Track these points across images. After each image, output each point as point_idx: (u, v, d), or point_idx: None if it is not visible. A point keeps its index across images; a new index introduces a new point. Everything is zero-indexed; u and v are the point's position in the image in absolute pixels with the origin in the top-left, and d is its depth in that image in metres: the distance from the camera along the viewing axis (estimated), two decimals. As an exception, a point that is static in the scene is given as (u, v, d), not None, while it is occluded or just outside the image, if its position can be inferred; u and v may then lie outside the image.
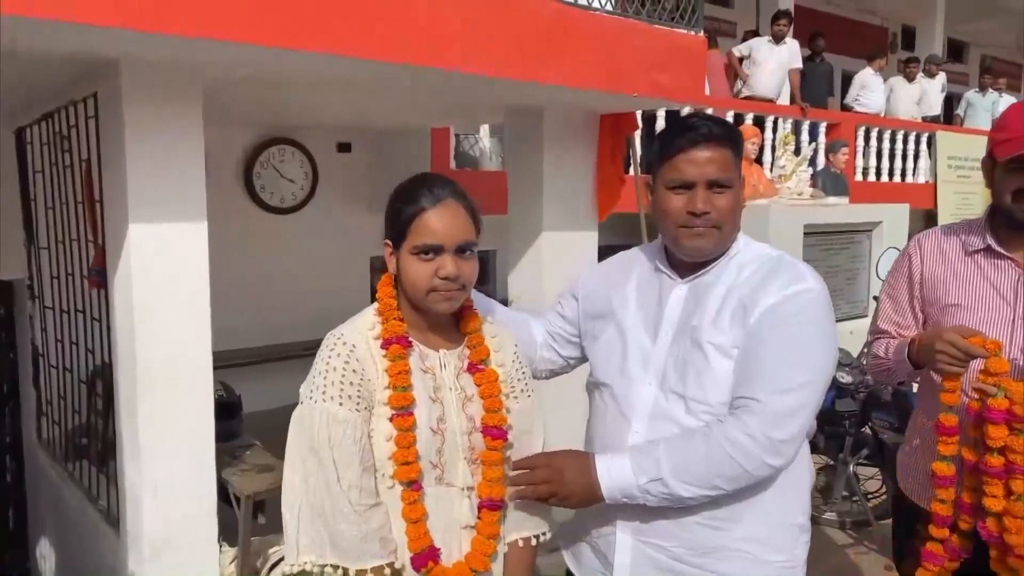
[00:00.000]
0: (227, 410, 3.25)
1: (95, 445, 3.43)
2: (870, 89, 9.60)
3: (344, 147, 5.92)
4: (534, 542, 1.59)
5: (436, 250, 1.44)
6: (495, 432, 1.50)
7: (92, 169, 3.04)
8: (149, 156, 2.63)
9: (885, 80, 9.88)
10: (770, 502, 1.54)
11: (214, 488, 2.90)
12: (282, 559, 3.13)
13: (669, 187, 1.54)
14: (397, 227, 1.47)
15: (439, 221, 1.44)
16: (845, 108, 9.80)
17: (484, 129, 6.02)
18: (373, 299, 5.77)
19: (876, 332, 2.04)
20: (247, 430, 3.64)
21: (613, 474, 1.46)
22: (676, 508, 1.50)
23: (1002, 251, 1.82)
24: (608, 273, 1.75)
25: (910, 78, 10.16)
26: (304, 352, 5.79)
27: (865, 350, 2.13)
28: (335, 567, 1.40)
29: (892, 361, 1.92)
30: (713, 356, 1.49)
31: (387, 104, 4.17)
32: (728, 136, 1.55)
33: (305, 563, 1.41)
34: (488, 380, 1.53)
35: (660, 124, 6.83)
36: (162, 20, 2.13)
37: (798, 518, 1.60)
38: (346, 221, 6.04)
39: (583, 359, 1.79)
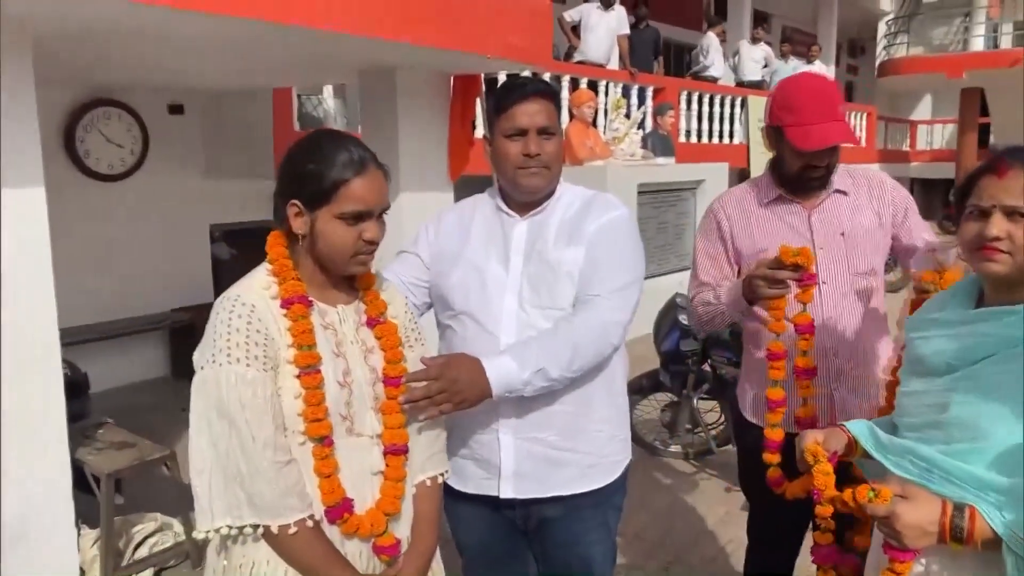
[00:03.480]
0: (74, 389, 3.05)
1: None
2: (720, 55, 10.34)
3: (176, 109, 5.59)
4: (440, 479, 1.69)
5: (365, 216, 1.46)
6: (397, 381, 1.56)
7: None
8: (-26, 116, 2.40)
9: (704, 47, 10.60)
10: (610, 388, 1.89)
11: (68, 471, 2.73)
12: (147, 538, 3.03)
13: (506, 135, 1.80)
14: (315, 190, 1.44)
15: (368, 188, 1.46)
16: (696, 73, 10.43)
17: (328, 90, 5.87)
18: (215, 268, 5.56)
19: (699, 285, 2.26)
20: (95, 410, 3.44)
21: (500, 372, 1.64)
22: (546, 404, 1.78)
23: (791, 198, 2.16)
24: (452, 220, 1.95)
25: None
26: (145, 327, 5.55)
27: (688, 303, 2.32)
28: (255, 527, 1.41)
29: (725, 304, 2.13)
30: (559, 271, 1.80)
31: (229, 63, 3.99)
32: (551, 92, 1.85)
33: (220, 527, 1.40)
34: (389, 332, 1.59)
35: (501, 87, 6.94)
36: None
37: (623, 400, 1.98)
38: (182, 188, 5.72)
39: (429, 304, 1.96)
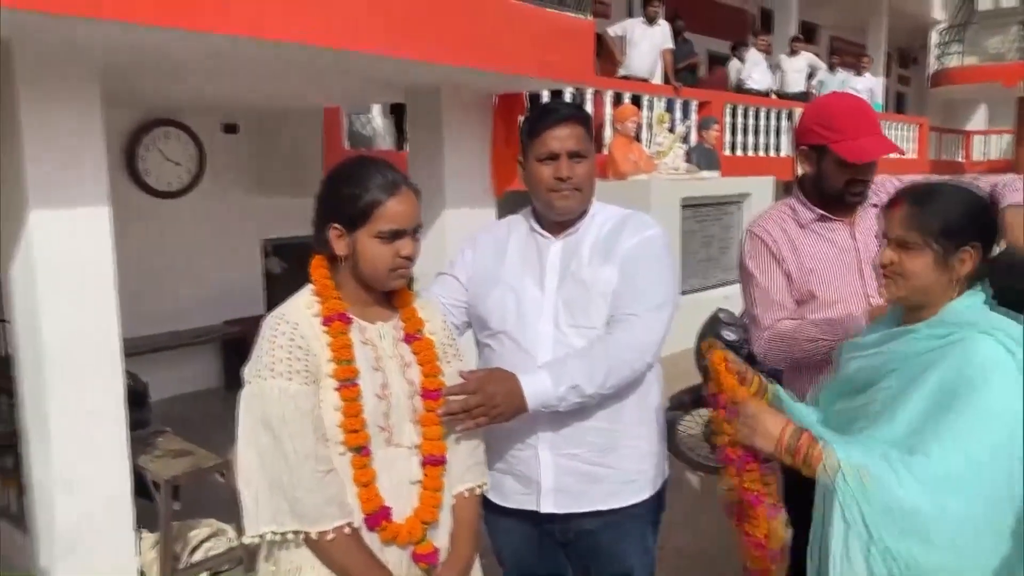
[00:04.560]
0: (135, 399, 3.19)
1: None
2: (761, 68, 10.27)
3: (231, 128, 5.79)
4: (478, 491, 1.74)
5: (400, 234, 1.56)
6: (435, 394, 1.63)
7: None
8: (47, 140, 2.57)
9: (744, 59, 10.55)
10: (645, 405, 1.92)
11: (129, 477, 2.87)
12: (202, 543, 3.15)
13: (539, 160, 1.86)
14: (353, 212, 1.54)
15: (402, 208, 1.55)
16: (739, 85, 10.39)
17: (376, 108, 6.02)
18: (267, 282, 5.70)
19: (779, 309, 2.15)
20: (153, 418, 3.59)
21: (536, 388, 1.70)
22: (581, 420, 1.82)
23: (832, 216, 2.17)
24: (488, 241, 2.01)
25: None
26: (199, 339, 5.72)
27: (756, 334, 2.17)
28: (296, 533, 1.48)
29: (839, 339, 1.95)
30: (593, 290, 1.84)
31: (282, 84, 4.14)
32: (582, 116, 1.90)
33: (265, 533, 1.48)
34: (425, 348, 1.66)
35: (545, 103, 7.02)
36: (57, 0, 2.08)
37: (658, 417, 2.00)
38: (235, 204, 5.92)
39: (469, 324, 2.02)
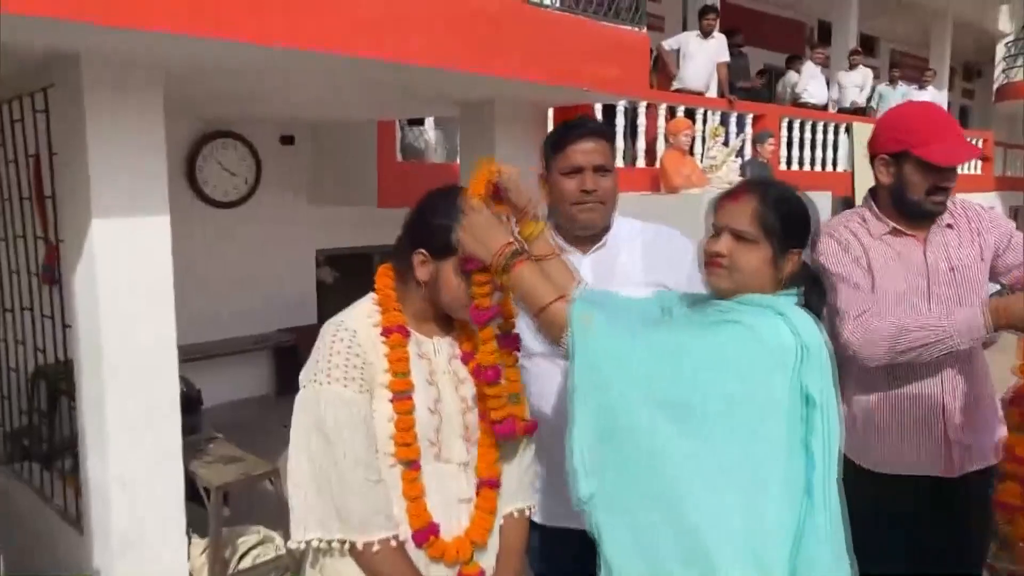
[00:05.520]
0: (188, 404, 3.24)
1: (40, 444, 3.39)
2: (818, 81, 10.11)
3: (287, 140, 5.90)
4: (527, 512, 1.71)
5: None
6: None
7: (41, 164, 3.00)
8: (111, 150, 2.63)
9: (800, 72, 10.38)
10: None
11: (182, 481, 2.91)
12: (250, 549, 3.18)
13: (563, 173, 1.87)
14: (442, 243, 1.54)
15: None
16: (795, 97, 10.25)
17: (429, 121, 6.07)
18: (319, 291, 5.76)
19: (863, 300, 2.04)
20: (205, 424, 3.65)
21: None
22: None
23: (906, 231, 2.07)
24: None
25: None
26: (252, 347, 5.82)
27: (846, 325, 2.03)
28: (342, 542, 1.47)
29: (958, 329, 1.91)
30: None
31: (339, 96, 4.20)
32: (606, 132, 1.94)
33: (311, 539, 1.48)
34: None
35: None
36: (127, 15, 2.13)
37: None
38: (290, 214, 6.01)
39: None
